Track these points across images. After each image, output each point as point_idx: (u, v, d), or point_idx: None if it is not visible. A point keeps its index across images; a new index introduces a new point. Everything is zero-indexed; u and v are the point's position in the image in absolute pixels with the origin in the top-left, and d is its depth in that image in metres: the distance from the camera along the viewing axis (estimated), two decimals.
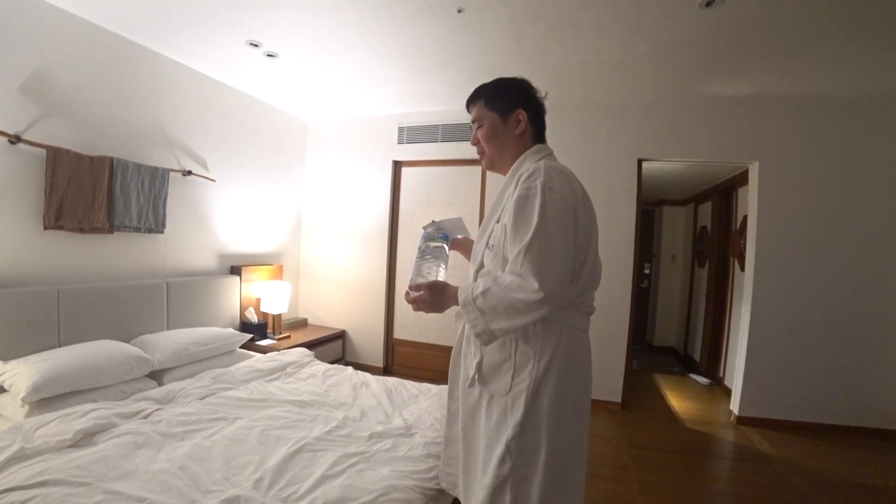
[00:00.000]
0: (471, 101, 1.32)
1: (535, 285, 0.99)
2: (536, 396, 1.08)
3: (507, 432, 1.08)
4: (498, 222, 1.18)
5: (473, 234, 1.42)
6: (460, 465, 1.25)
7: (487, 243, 1.20)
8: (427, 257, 1.34)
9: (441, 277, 1.30)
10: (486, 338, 1.09)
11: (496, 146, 1.26)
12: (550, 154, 1.26)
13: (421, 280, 1.27)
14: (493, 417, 1.13)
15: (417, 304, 1.21)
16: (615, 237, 3.41)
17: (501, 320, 1.05)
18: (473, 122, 1.31)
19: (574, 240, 1.08)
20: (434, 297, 1.19)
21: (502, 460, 1.07)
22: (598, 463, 2.61)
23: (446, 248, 1.39)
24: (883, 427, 3.15)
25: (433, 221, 1.47)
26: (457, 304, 1.14)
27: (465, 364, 1.24)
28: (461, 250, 1.50)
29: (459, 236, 1.50)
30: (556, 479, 1.08)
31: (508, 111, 1.24)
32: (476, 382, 1.18)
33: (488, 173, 3.85)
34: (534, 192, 1.07)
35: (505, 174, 1.28)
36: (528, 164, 1.20)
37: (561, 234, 1.05)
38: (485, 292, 1.06)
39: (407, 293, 1.23)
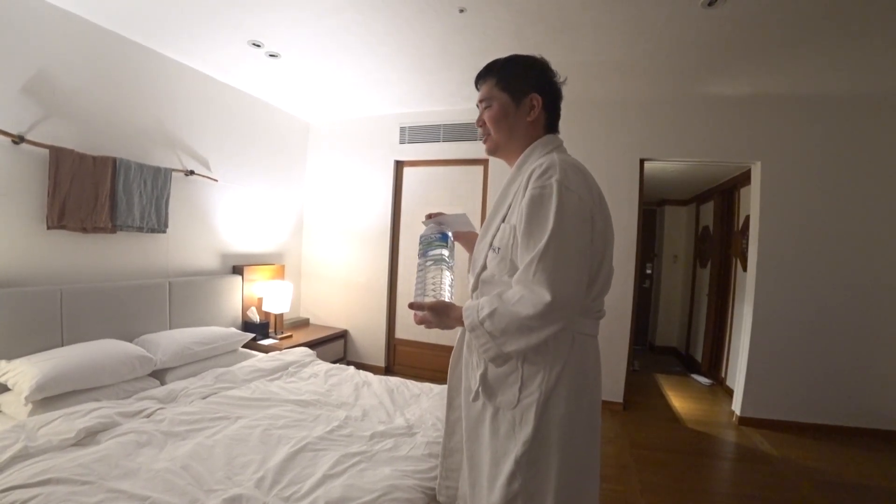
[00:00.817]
0: (481, 78, 1.19)
1: (547, 297, 0.91)
2: (547, 409, 1.00)
3: (517, 448, 1.00)
4: (504, 221, 1.08)
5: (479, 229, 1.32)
6: (465, 480, 1.16)
7: (492, 244, 1.10)
8: (430, 265, 1.24)
9: (447, 286, 1.23)
10: (500, 361, 1.02)
11: (504, 131, 1.15)
12: (561, 146, 1.15)
13: (428, 297, 1.19)
14: (501, 432, 1.04)
15: (424, 322, 1.15)
16: (617, 237, 3.37)
17: (514, 342, 0.97)
18: (481, 101, 1.18)
19: (591, 244, 0.99)
20: (438, 318, 1.12)
21: (512, 477, 0.99)
22: (599, 463, 2.60)
23: (446, 252, 1.27)
24: (885, 428, 3.14)
25: (430, 216, 1.33)
26: (462, 325, 1.07)
27: (467, 374, 1.16)
28: (464, 243, 1.39)
29: (464, 230, 1.37)
30: (570, 493, 1.01)
31: (522, 94, 1.13)
32: (480, 395, 1.09)
33: (490, 173, 3.85)
34: (549, 191, 0.97)
35: (509, 162, 1.18)
36: (537, 156, 1.10)
37: (578, 239, 0.96)
38: (492, 314, 0.98)
39: (415, 314, 1.16)
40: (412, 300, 1.19)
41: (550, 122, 1.17)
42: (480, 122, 1.19)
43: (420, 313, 1.15)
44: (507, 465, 1.01)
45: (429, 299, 1.18)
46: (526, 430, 1.00)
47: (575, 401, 1.02)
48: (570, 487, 1.00)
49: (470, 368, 1.15)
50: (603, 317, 1.13)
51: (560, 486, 0.99)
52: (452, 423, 1.26)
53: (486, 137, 1.20)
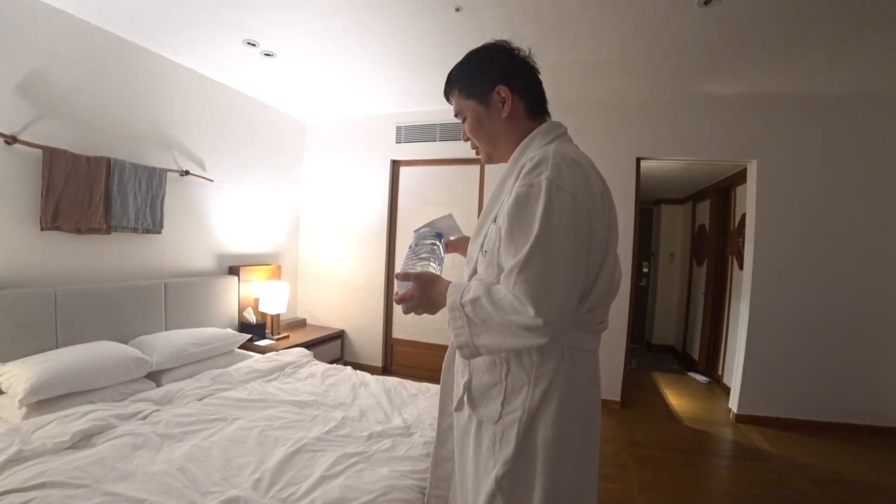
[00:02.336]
0: (447, 93, 1.11)
1: (531, 312, 0.81)
2: (530, 429, 0.92)
3: (497, 468, 0.92)
4: (494, 222, 0.97)
5: (466, 231, 1.31)
6: (457, 490, 1.10)
7: (482, 246, 1.00)
8: (419, 255, 1.17)
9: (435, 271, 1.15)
10: (468, 352, 0.93)
11: (485, 139, 1.06)
12: (564, 134, 1.03)
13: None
14: (483, 447, 0.97)
15: (406, 301, 1.03)
16: None
17: (490, 337, 0.88)
18: (455, 115, 1.11)
19: (586, 254, 0.88)
20: (423, 290, 1.01)
21: (491, 497, 0.92)
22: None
23: (440, 246, 1.21)
24: (881, 425, 3.16)
25: (424, 224, 1.30)
26: (444, 302, 0.97)
27: (457, 380, 1.09)
28: (461, 251, 1.30)
29: (453, 237, 1.31)
30: None
31: (487, 93, 1.02)
32: (465, 405, 1.02)
33: (486, 171, 3.84)
34: (537, 190, 0.85)
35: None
36: (535, 148, 0.98)
37: (568, 248, 0.84)
38: (474, 301, 0.89)
39: (396, 293, 1.06)
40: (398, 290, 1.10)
41: (533, 107, 1.04)
42: (465, 137, 1.12)
43: (403, 290, 1.04)
44: (488, 484, 0.94)
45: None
46: (507, 450, 0.92)
47: (565, 423, 0.92)
48: None
49: (459, 375, 1.07)
50: (605, 329, 1.02)
51: None
52: (445, 431, 1.19)
53: (476, 150, 1.12)
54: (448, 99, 1.12)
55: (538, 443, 0.91)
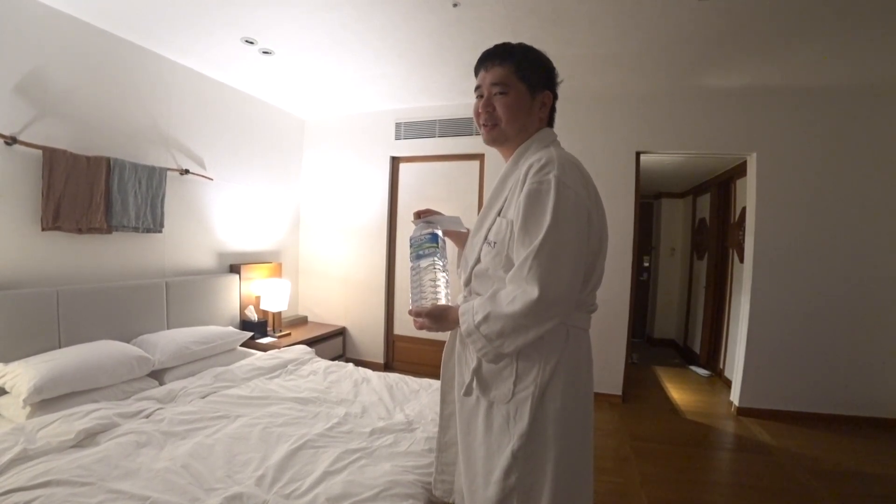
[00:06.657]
0: (496, 59, 1.10)
1: (540, 294, 0.91)
2: (542, 403, 1.00)
3: (513, 443, 1.00)
4: (500, 215, 1.07)
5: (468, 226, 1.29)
6: (462, 476, 1.15)
7: (486, 238, 1.08)
8: (424, 268, 1.18)
9: (442, 289, 1.17)
10: (498, 360, 1.03)
11: (518, 123, 1.10)
12: (556, 140, 1.15)
13: (423, 303, 1.15)
14: (494, 426, 1.04)
15: (423, 328, 1.14)
16: (614, 230, 3.37)
17: (511, 342, 0.97)
18: (494, 84, 1.09)
19: (587, 241, 0.99)
20: (436, 324, 1.11)
21: (508, 472, 0.99)
22: (599, 455, 2.61)
23: (438, 252, 1.19)
24: (882, 416, 3.16)
25: (419, 214, 1.26)
26: (459, 327, 1.06)
27: (460, 369, 1.15)
28: (455, 240, 1.35)
29: (454, 229, 1.32)
30: (566, 486, 1.00)
31: (537, 89, 1.11)
32: (474, 390, 1.08)
33: (486, 168, 3.83)
34: (547, 187, 0.96)
35: (506, 154, 1.17)
36: (534, 150, 1.09)
37: (574, 236, 0.96)
38: (487, 318, 0.98)
39: (415, 320, 1.14)
40: (410, 306, 1.15)
41: (550, 124, 1.19)
42: (490, 108, 1.10)
43: (420, 319, 1.12)
44: (503, 460, 1.00)
45: (427, 303, 1.14)
46: (521, 425, 1.00)
47: (570, 394, 1.02)
48: (566, 480, 1.00)
49: (463, 363, 1.14)
50: (595, 311, 1.12)
51: (556, 479, 0.98)
52: (447, 418, 1.26)
53: (492, 125, 1.12)
54: (487, 65, 1.12)
55: (549, 415, 1.00)
